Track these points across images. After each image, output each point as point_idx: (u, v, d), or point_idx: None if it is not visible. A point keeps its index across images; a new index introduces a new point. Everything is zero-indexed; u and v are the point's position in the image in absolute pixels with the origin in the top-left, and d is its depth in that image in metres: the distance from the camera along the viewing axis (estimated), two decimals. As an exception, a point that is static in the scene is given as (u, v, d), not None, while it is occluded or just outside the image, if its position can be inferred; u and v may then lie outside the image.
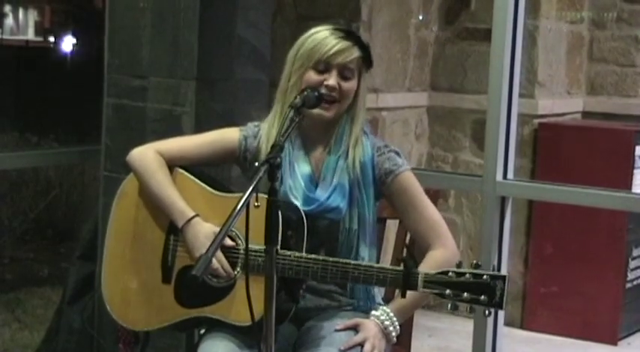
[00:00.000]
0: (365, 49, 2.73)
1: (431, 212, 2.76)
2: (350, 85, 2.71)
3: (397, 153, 2.77)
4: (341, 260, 2.57)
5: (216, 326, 2.69)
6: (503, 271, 3.87)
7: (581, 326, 5.38)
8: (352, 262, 2.56)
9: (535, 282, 5.50)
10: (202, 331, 2.80)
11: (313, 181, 2.74)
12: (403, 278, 2.49)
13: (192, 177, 2.81)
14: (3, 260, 6.25)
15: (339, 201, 2.70)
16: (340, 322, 2.70)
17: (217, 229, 2.56)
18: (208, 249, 2.20)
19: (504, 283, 2.43)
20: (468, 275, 2.44)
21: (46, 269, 6.10)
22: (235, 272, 2.66)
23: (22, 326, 5.14)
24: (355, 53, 2.70)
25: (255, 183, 2.28)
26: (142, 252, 2.80)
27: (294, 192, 2.71)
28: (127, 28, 3.82)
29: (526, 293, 5.53)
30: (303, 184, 2.72)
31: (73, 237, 6.04)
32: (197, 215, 2.71)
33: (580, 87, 5.94)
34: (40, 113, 8.40)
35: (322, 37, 2.70)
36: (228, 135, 2.84)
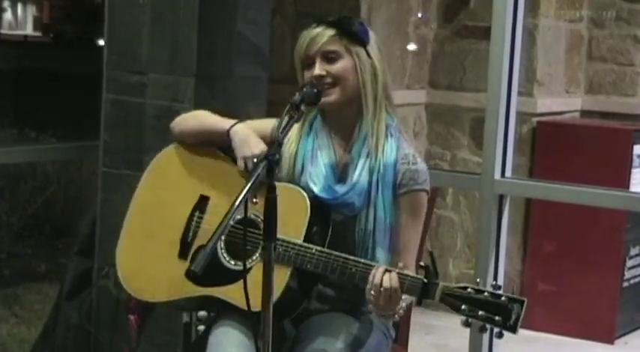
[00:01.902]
0: (340, 25, 2.70)
1: (412, 242, 2.74)
2: (340, 65, 2.68)
3: (421, 170, 2.74)
4: (362, 260, 2.57)
5: (224, 315, 2.68)
6: (501, 270, 3.88)
7: (578, 324, 5.38)
8: (372, 263, 2.56)
9: (532, 281, 5.51)
10: (201, 327, 2.80)
11: (335, 173, 2.73)
12: (422, 287, 2.48)
13: (226, 157, 2.82)
14: (0, 255, 6.24)
15: (354, 199, 2.68)
16: (343, 323, 2.69)
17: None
18: (207, 244, 2.21)
19: (522, 308, 2.41)
20: (486, 294, 2.43)
21: (43, 264, 6.09)
22: (255, 257, 2.65)
23: (19, 322, 5.13)
24: (328, 33, 2.68)
25: (253, 179, 2.28)
26: (164, 225, 2.82)
27: (314, 178, 2.71)
28: (126, 24, 3.82)
29: (523, 291, 5.53)
30: (324, 172, 2.71)
31: (71, 232, 6.03)
32: (240, 121, 2.77)
33: (579, 86, 5.94)
34: (38, 109, 8.39)
35: (301, 37, 2.73)
36: (269, 125, 2.81)
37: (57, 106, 8.25)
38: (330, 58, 2.68)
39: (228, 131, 2.77)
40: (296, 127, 2.72)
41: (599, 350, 5.29)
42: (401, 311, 2.62)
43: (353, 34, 2.70)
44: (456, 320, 2.49)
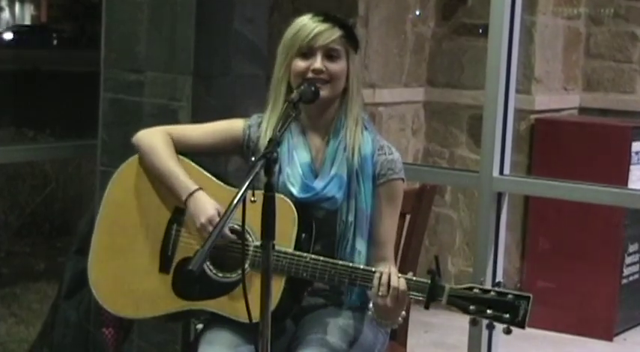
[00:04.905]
0: (346, 27, 2.74)
1: (391, 231, 2.77)
2: (338, 66, 2.72)
3: (397, 160, 2.76)
4: (361, 266, 2.59)
5: (217, 321, 2.68)
6: (500, 267, 3.88)
7: (577, 321, 5.39)
8: (374, 269, 2.57)
9: (531, 278, 5.51)
10: (199, 325, 2.80)
11: (313, 170, 2.74)
12: (429, 290, 2.50)
13: (197, 167, 2.80)
14: (-1, 254, 6.25)
15: (335, 192, 2.70)
16: (341, 319, 2.70)
17: (220, 206, 2.62)
18: (205, 244, 2.21)
19: (528, 303, 2.45)
20: (492, 293, 2.47)
21: (42, 263, 6.09)
22: (246, 267, 2.63)
23: (18, 321, 5.13)
24: (336, 33, 2.71)
25: (251, 178, 2.28)
26: (139, 239, 2.78)
27: (291, 179, 2.71)
28: (123, 22, 3.82)
29: (522, 288, 5.52)
30: (301, 172, 2.72)
31: (70, 231, 6.03)
32: (200, 188, 2.72)
33: (577, 83, 5.94)
34: (36, 108, 8.38)
35: (302, 23, 2.75)
36: (235, 125, 2.86)
37: (54, 105, 8.25)
38: (331, 55, 2.71)
39: (185, 200, 2.73)
40: (270, 130, 2.73)
41: (598, 347, 5.30)
42: (400, 319, 2.64)
43: (355, 41, 2.76)
44: (454, 317, 2.50)
